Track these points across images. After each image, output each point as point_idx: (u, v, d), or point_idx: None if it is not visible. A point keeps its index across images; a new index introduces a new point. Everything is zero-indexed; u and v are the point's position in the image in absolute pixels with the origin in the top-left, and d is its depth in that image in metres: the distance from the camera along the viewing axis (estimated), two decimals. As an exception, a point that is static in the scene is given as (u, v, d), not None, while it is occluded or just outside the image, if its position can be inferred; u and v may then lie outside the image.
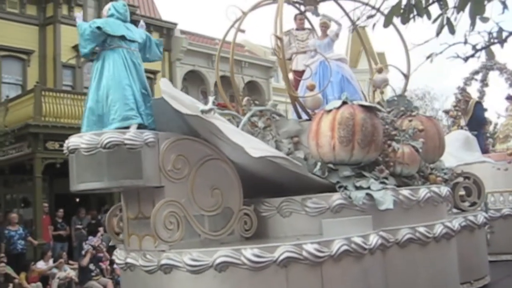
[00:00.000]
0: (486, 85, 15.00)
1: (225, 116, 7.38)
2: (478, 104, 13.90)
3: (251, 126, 7.61)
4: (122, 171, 5.72)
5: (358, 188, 6.64)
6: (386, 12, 4.07)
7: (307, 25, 9.25)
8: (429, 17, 3.99)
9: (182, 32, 28.18)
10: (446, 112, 14.05)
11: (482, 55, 4.51)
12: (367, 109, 6.72)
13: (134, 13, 26.12)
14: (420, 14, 3.96)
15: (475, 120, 13.49)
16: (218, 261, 5.54)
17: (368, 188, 6.62)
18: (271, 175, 6.74)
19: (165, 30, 27.11)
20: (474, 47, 4.46)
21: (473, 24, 3.85)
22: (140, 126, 6.15)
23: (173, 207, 5.86)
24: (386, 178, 6.90)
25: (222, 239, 6.24)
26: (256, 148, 5.95)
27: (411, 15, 3.98)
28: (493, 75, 14.61)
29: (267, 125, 7.13)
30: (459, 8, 3.85)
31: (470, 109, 13.46)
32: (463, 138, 9.52)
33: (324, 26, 8.46)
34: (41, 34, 24.02)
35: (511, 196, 11.28)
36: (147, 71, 25.66)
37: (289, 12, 9.02)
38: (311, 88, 7.21)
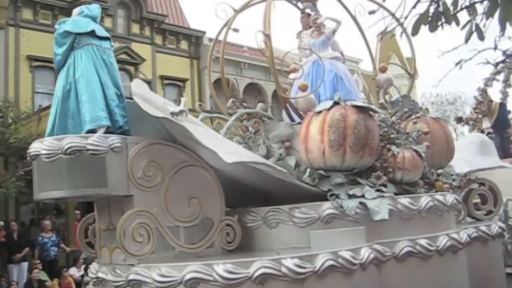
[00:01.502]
0: (509, 85, 13.93)
1: (214, 120, 6.74)
2: (502, 105, 12.86)
3: (243, 130, 6.95)
4: (84, 179, 5.11)
5: (351, 196, 5.89)
6: (413, 20, 3.94)
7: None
8: (457, 23, 3.87)
9: (211, 40, 27.66)
10: (459, 119, 13.01)
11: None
12: (361, 110, 5.96)
13: (163, 22, 25.88)
14: (448, 22, 3.84)
15: (500, 121, 12.47)
16: (187, 277, 4.88)
17: (362, 196, 5.86)
18: (259, 183, 6.06)
19: (194, 38, 26.66)
20: (504, 52, 4.64)
21: (503, 29, 3.76)
22: (112, 129, 5.54)
23: (143, 218, 5.22)
24: (384, 185, 6.12)
25: (200, 252, 5.59)
26: (232, 153, 5.26)
27: (439, 23, 3.87)
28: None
29: (255, 128, 6.42)
30: (488, 14, 3.73)
31: (495, 110, 12.45)
32: (478, 141, 8.55)
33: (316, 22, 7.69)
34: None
35: (534, 204, 10.25)
36: (176, 79, 25.37)
37: (286, 10, 8.31)
38: (303, 88, 6.48)
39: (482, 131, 11.93)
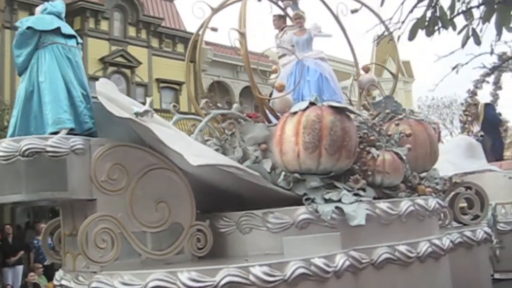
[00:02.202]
0: (500, 88, 13.56)
1: (189, 121, 6.43)
2: (489, 105, 12.51)
3: (221, 132, 6.64)
4: (43, 182, 4.80)
5: (327, 200, 5.57)
6: (411, 24, 3.90)
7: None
8: (454, 28, 3.87)
9: (207, 43, 27.37)
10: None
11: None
12: (338, 111, 5.64)
13: (159, 25, 25.60)
14: (445, 26, 3.83)
15: (488, 122, 12.12)
16: (150, 285, 4.56)
17: (339, 200, 5.54)
18: (232, 187, 5.74)
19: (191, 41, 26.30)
20: (500, 57, 4.76)
21: (499, 34, 3.76)
22: (79, 131, 5.23)
23: (107, 223, 4.92)
24: (362, 189, 5.80)
25: (169, 259, 5.27)
26: (199, 155, 4.95)
27: (436, 28, 3.86)
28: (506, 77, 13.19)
29: (230, 130, 6.11)
30: (485, 18, 3.74)
31: (480, 112, 12.10)
32: (465, 144, 8.20)
33: (299, 18, 7.34)
34: (67, 47, 23.59)
35: (523, 208, 9.91)
36: (172, 82, 25.01)
37: (267, 9, 7.99)
38: (279, 88, 6.16)
39: (473, 134, 11.60)
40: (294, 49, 7.16)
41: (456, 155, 7.87)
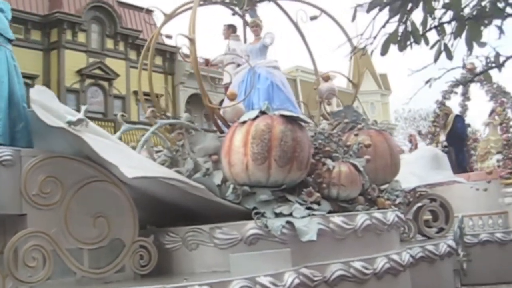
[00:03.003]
0: (468, 98, 13.32)
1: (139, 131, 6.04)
2: (459, 117, 12.25)
3: (173, 143, 6.25)
4: (-35, 196, 4.37)
5: (278, 215, 5.19)
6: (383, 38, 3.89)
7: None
8: (427, 43, 3.90)
9: (185, 55, 27.05)
10: (419, 133, 12.39)
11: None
12: (289, 120, 5.29)
13: (137, 37, 25.22)
14: (417, 41, 3.84)
15: (455, 134, 11.86)
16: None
17: (290, 215, 5.17)
18: (181, 201, 5.36)
19: (168, 54, 26.00)
20: (472, 71, 4.76)
21: (470, 49, 3.80)
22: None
23: (38, 240, 4.50)
24: (317, 202, 5.44)
25: (108, 278, 4.87)
26: (136, 167, 4.56)
27: (408, 43, 3.86)
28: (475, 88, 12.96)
29: (179, 140, 5.73)
30: (456, 34, 3.78)
31: (449, 122, 11.84)
32: (430, 155, 7.86)
33: (256, 27, 7.03)
34: (45, 59, 23.19)
35: (491, 220, 9.58)
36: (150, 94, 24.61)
37: (222, 15, 7.66)
38: (231, 97, 5.80)
39: (442, 145, 11.32)
40: (249, 58, 6.82)
41: (421, 166, 7.54)
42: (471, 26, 3.71)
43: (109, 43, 24.73)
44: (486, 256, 9.01)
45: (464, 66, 4.91)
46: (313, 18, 6.90)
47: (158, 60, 25.68)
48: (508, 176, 9.85)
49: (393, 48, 3.92)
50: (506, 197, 9.79)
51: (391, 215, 5.83)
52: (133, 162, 4.71)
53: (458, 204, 9.97)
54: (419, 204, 7.35)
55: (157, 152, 6.28)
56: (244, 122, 5.33)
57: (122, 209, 5.03)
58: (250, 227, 5.12)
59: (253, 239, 5.11)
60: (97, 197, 4.90)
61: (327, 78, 7.16)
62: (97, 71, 24.22)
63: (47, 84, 22.35)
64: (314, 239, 4.98)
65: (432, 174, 7.49)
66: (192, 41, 5.88)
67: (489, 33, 3.80)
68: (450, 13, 3.85)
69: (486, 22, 3.76)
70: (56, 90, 22.35)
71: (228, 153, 5.35)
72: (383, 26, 3.90)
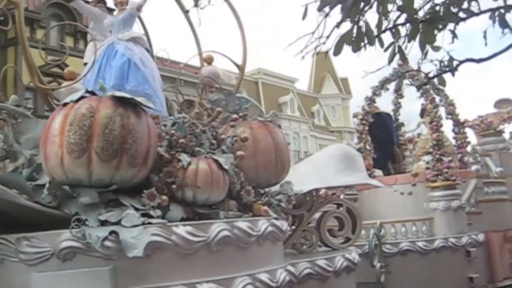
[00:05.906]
0: (401, 96, 12.06)
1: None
2: (386, 115, 11.01)
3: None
4: None
5: (103, 222, 3.83)
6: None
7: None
8: (381, 45, 3.78)
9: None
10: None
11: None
12: (122, 103, 3.94)
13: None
14: (370, 43, 3.70)
15: (379, 133, 10.64)
16: None
17: (118, 223, 3.82)
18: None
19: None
20: (426, 75, 4.34)
21: (423, 52, 3.74)
22: None
23: None
24: (163, 208, 4.10)
25: None
26: None
27: (362, 44, 3.69)
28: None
29: (1, 128, 4.37)
30: (410, 37, 3.70)
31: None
32: (340, 154, 6.49)
33: (120, 3, 5.73)
34: (2, 56, 21.64)
35: (414, 227, 8.28)
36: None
37: None
38: (69, 76, 4.46)
39: (368, 144, 10.04)
40: (111, 33, 5.49)
41: (328, 166, 6.20)
42: (425, 30, 3.63)
43: (69, 41, 23.26)
44: (406, 267, 7.71)
45: (419, 70, 4.72)
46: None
47: (118, 59, 24.30)
48: (434, 179, 8.54)
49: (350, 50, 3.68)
50: (431, 201, 8.51)
51: (263, 224, 4.49)
52: None
53: (384, 209, 8.76)
54: (323, 210, 6.03)
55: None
56: (65, 105, 3.97)
57: None
58: (64, 238, 3.77)
59: (68, 254, 3.76)
60: None
61: (209, 60, 5.84)
62: (56, 69, 22.69)
63: (3, 81, 20.88)
64: (140, 255, 3.64)
65: (340, 175, 6.16)
66: (16, 4, 4.55)
67: (443, 37, 3.74)
68: (405, 16, 3.71)
69: (440, 26, 3.64)
70: (12, 87, 20.94)
71: (44, 143, 3.98)
72: (337, 26, 3.69)
